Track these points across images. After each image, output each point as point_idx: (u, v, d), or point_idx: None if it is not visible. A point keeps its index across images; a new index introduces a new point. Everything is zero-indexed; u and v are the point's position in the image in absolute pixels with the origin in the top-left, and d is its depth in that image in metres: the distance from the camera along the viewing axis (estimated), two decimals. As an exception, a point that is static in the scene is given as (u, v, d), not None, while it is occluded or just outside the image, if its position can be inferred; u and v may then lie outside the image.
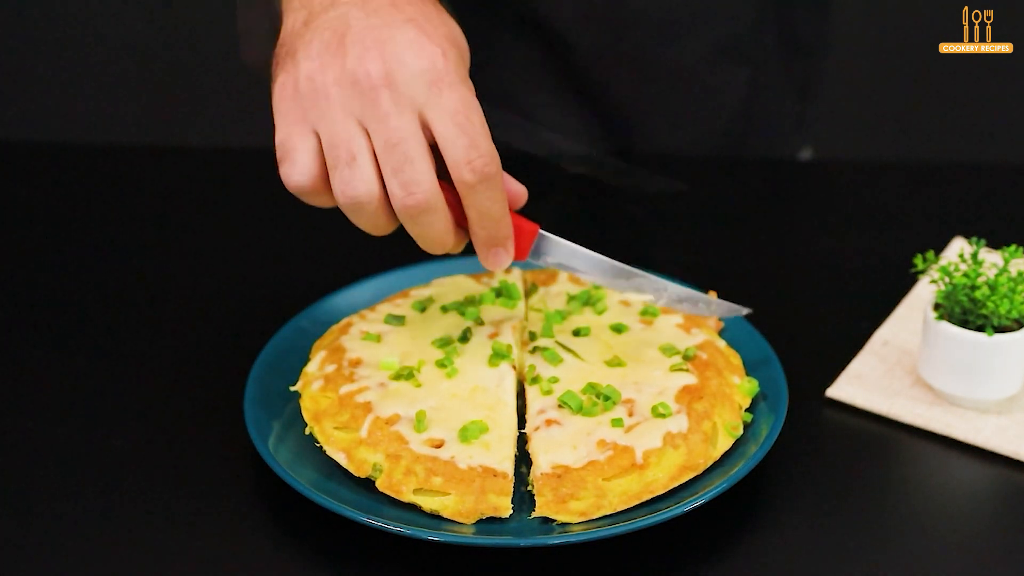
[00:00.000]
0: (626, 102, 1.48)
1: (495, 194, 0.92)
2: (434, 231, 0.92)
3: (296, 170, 0.91)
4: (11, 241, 1.36)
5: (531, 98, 1.48)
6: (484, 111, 0.92)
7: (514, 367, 1.04)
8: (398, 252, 1.29)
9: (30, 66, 2.63)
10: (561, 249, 1.02)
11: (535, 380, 1.02)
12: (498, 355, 1.03)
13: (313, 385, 1.02)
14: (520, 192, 1.00)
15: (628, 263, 1.19)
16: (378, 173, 0.90)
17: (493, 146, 0.91)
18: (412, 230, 0.92)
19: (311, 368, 1.05)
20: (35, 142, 1.98)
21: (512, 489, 0.93)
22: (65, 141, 2.19)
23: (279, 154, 0.92)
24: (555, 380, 1.01)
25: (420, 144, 0.90)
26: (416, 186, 0.89)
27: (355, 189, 0.90)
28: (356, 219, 0.92)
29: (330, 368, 1.04)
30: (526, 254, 1.00)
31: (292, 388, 1.04)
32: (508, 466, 0.94)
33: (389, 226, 0.93)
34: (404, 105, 0.89)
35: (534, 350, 1.06)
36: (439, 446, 0.95)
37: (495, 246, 0.95)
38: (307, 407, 1.01)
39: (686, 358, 1.03)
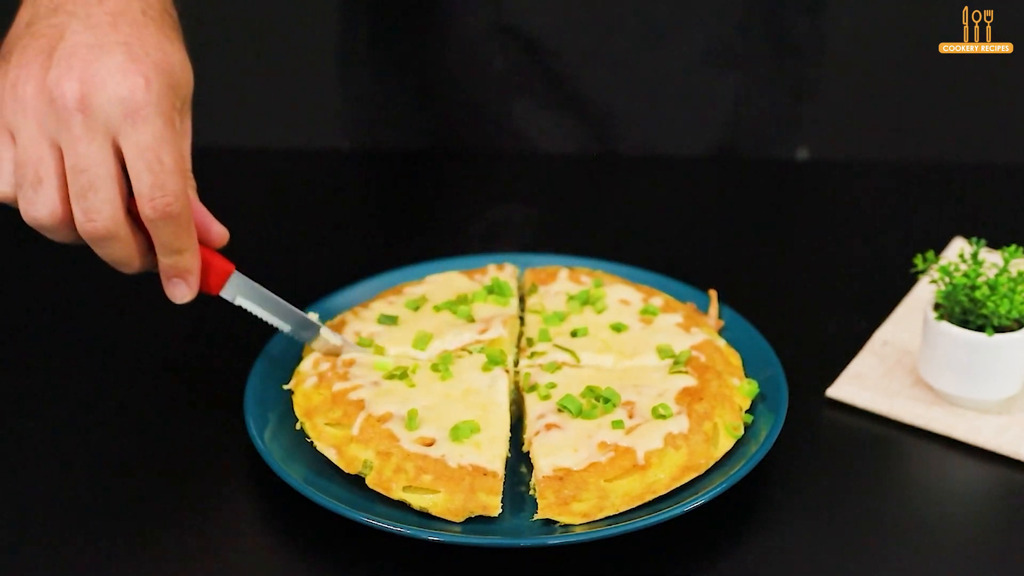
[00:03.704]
0: (613, 107, 1.47)
1: (177, 231, 0.93)
2: (116, 256, 0.93)
3: (2, 181, 0.91)
4: (10, 241, 1.35)
5: (517, 104, 1.47)
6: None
7: (507, 371, 1.03)
8: (398, 252, 1.29)
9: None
10: (254, 293, 1.03)
11: (533, 388, 1.02)
12: (493, 361, 1.03)
13: (307, 382, 1.02)
14: (220, 233, 1.01)
15: (628, 263, 1.20)
16: (64, 194, 0.91)
17: (180, 185, 0.91)
18: (95, 250, 0.93)
19: (305, 366, 1.05)
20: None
21: (502, 488, 0.93)
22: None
23: None
24: (552, 386, 1.01)
25: (107, 172, 0.89)
26: (96, 213, 0.90)
27: (37, 212, 0.91)
28: (44, 233, 0.93)
29: (324, 366, 1.04)
30: (216, 290, 1.01)
31: (285, 387, 1.04)
32: (499, 465, 0.94)
33: (77, 242, 0.93)
34: (96, 131, 0.89)
35: (532, 356, 1.06)
36: (430, 444, 0.95)
37: (175, 277, 0.97)
38: (299, 403, 1.01)
39: (678, 362, 1.03)
